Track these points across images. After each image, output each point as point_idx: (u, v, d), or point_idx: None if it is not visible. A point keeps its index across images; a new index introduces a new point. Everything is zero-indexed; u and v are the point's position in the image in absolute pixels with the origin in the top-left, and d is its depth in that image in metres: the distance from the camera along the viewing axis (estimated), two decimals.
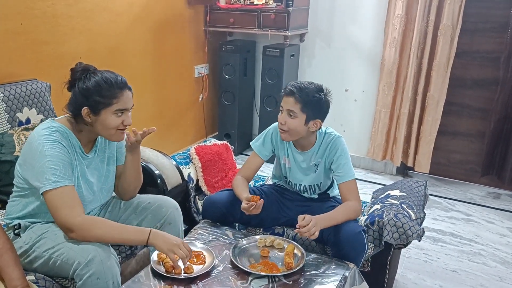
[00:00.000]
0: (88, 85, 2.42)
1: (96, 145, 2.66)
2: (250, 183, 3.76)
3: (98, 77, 2.43)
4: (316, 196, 3.20)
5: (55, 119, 2.55)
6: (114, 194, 2.93)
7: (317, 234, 2.60)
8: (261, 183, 3.75)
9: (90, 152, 2.63)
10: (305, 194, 3.21)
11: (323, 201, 3.17)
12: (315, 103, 2.86)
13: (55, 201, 2.32)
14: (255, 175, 3.72)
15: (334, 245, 2.81)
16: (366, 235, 2.89)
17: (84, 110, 2.43)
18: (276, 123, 3.10)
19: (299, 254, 2.64)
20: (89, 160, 2.61)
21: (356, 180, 2.99)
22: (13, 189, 2.60)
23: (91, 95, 2.41)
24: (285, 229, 3.13)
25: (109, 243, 2.40)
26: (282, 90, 2.95)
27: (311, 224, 2.59)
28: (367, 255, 2.90)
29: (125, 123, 2.52)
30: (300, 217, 2.66)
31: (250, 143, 3.24)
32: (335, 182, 3.12)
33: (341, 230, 2.76)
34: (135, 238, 2.43)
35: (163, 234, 2.43)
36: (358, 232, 2.76)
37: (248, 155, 4.71)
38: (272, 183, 3.42)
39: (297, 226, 2.64)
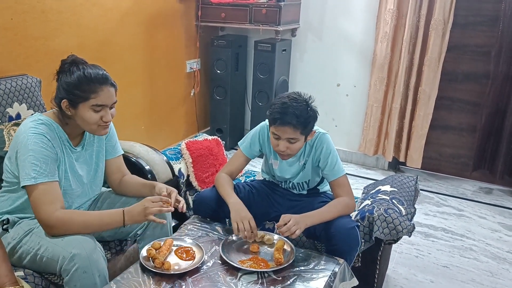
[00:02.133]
0: (68, 78, 2.41)
1: (84, 138, 2.66)
2: (241, 179, 3.76)
3: (80, 71, 2.41)
4: (305, 192, 3.19)
5: (43, 113, 2.55)
6: (103, 189, 2.93)
7: (298, 232, 2.60)
8: (252, 178, 3.73)
9: (78, 145, 2.63)
10: (294, 191, 3.19)
11: (313, 196, 3.15)
12: (311, 120, 2.80)
13: (34, 197, 2.33)
14: (245, 170, 3.71)
15: (327, 241, 2.79)
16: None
17: (64, 103, 2.42)
18: (263, 124, 3.08)
19: (289, 250, 2.63)
20: (77, 154, 2.61)
21: (348, 175, 2.97)
22: (2, 184, 2.60)
23: (70, 89, 2.40)
24: (275, 224, 3.12)
25: (89, 233, 2.40)
26: (271, 117, 2.81)
27: (290, 223, 2.59)
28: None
29: (104, 119, 2.48)
30: (281, 218, 2.66)
31: (238, 143, 3.19)
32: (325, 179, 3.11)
33: (334, 226, 2.74)
34: (112, 222, 2.46)
35: (132, 209, 2.47)
36: (351, 227, 2.74)
37: None
38: (262, 178, 3.40)
39: (276, 226, 2.66)
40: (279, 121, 2.73)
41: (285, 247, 2.65)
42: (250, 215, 2.73)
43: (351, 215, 3.01)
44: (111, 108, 2.52)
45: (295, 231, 2.59)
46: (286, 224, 2.61)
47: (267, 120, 3.01)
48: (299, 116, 2.71)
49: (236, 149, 6.05)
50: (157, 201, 2.46)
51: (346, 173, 2.96)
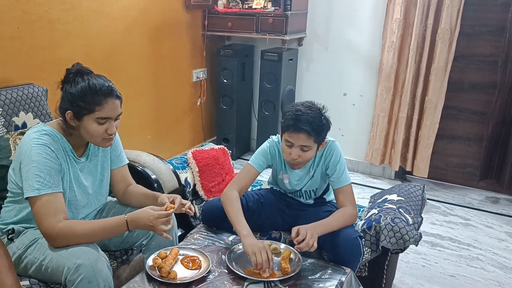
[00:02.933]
0: (73, 89, 2.39)
1: (89, 149, 2.65)
2: None
3: (85, 82, 2.39)
4: (312, 201, 3.18)
5: (47, 123, 2.54)
6: (109, 199, 2.92)
7: (315, 244, 2.57)
8: (258, 187, 3.72)
9: (82, 156, 2.62)
10: (301, 199, 3.19)
11: (319, 206, 3.15)
12: (325, 129, 2.81)
13: (37, 209, 2.32)
14: None
15: (330, 251, 2.79)
16: (363, 240, 2.87)
17: (68, 114, 2.41)
18: (272, 139, 3.08)
19: (296, 259, 2.63)
20: (82, 164, 2.60)
21: (354, 185, 2.98)
22: (7, 195, 2.59)
23: (75, 100, 2.38)
24: (282, 233, 3.12)
25: (93, 242, 2.38)
26: (285, 123, 2.79)
27: (308, 237, 2.56)
28: (363, 260, 2.89)
29: (109, 131, 2.47)
30: (293, 230, 2.64)
31: (249, 162, 3.07)
32: (331, 186, 3.10)
33: (338, 236, 2.74)
34: (116, 231, 2.46)
35: (137, 220, 2.43)
36: (354, 238, 2.74)
37: (247, 159, 4.66)
38: (269, 187, 3.38)
39: (294, 241, 2.59)
40: (293, 127, 2.73)
41: (292, 256, 2.65)
42: (267, 246, 2.62)
43: (357, 223, 3.01)
44: (116, 119, 2.51)
45: (313, 243, 2.57)
46: (303, 239, 2.57)
47: (276, 135, 3.02)
48: (313, 123, 2.71)
49: (243, 158, 6.07)
50: (163, 216, 2.45)
51: (352, 182, 2.96)
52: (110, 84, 2.46)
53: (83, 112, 2.39)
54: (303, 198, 3.18)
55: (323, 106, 2.87)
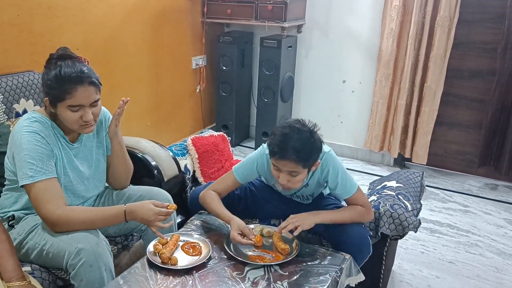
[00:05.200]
0: (46, 76, 2.39)
1: (82, 134, 2.63)
2: None
3: (56, 70, 2.36)
4: (310, 201, 3.05)
5: (36, 109, 2.54)
6: (107, 184, 2.93)
7: (305, 225, 2.58)
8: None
9: (76, 141, 2.62)
10: (298, 200, 3.08)
11: (320, 200, 3.05)
12: (314, 153, 2.61)
13: (34, 196, 2.33)
14: None
15: (339, 246, 2.72)
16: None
17: (46, 101, 2.42)
18: (261, 152, 2.89)
19: (289, 238, 2.65)
20: (76, 150, 2.61)
21: (354, 172, 2.92)
22: (5, 182, 2.60)
23: (47, 87, 2.38)
24: (281, 221, 3.10)
25: (92, 229, 2.39)
26: (270, 149, 2.62)
27: (294, 219, 2.58)
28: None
29: (84, 118, 2.42)
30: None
31: (233, 169, 2.95)
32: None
33: (348, 233, 2.70)
34: (115, 220, 2.47)
35: (135, 210, 2.44)
36: (365, 237, 2.71)
37: (246, 146, 4.63)
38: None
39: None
40: (278, 155, 2.56)
41: (284, 235, 2.66)
42: (243, 224, 2.65)
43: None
44: (93, 106, 2.46)
45: (297, 225, 2.58)
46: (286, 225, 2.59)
47: (265, 147, 2.84)
48: (300, 150, 2.52)
49: (242, 145, 6.07)
50: (163, 214, 2.45)
51: (351, 169, 2.91)
52: (83, 69, 2.40)
53: (55, 100, 2.38)
54: (300, 200, 3.07)
55: (315, 125, 2.64)
